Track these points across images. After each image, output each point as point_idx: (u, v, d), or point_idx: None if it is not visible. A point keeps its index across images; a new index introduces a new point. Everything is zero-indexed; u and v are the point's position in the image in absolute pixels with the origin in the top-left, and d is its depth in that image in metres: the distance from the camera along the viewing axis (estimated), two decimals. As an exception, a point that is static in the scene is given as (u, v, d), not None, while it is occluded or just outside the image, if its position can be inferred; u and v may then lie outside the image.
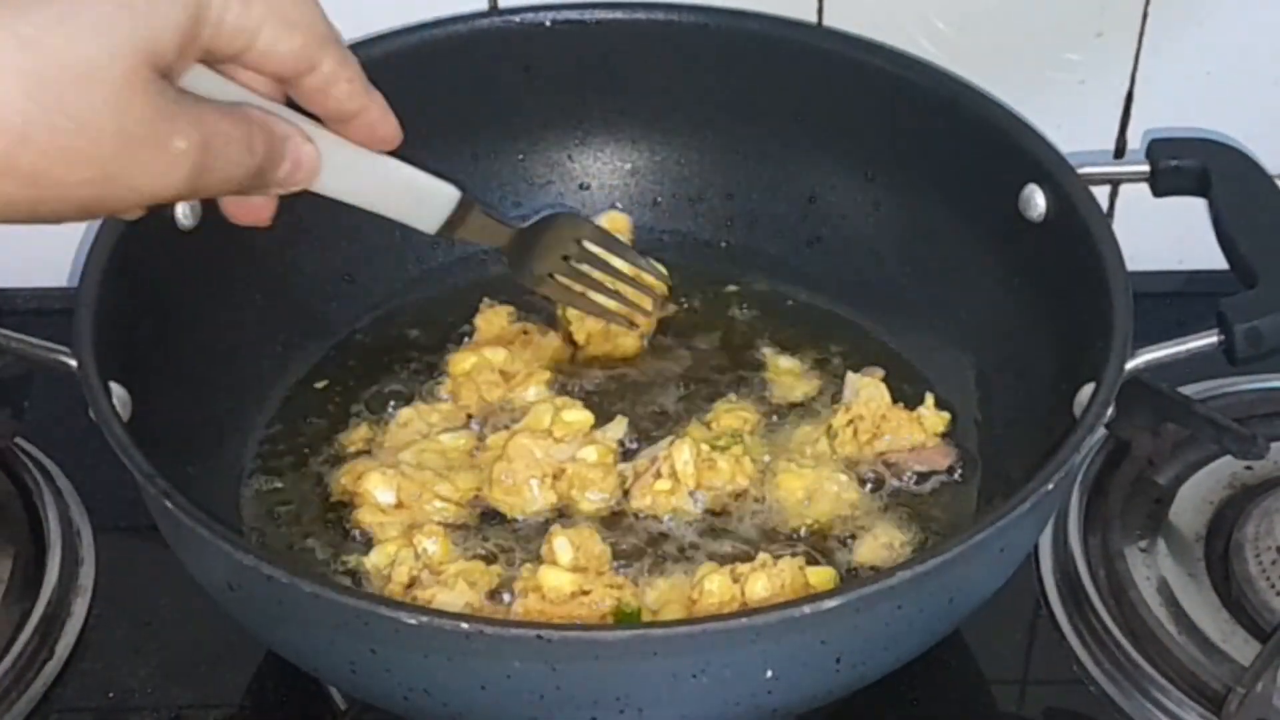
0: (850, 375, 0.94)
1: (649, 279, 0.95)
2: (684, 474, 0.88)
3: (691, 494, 0.88)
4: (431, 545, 0.84)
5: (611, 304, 0.92)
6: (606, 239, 0.92)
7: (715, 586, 0.81)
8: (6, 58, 0.54)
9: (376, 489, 0.87)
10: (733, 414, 0.93)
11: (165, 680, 0.87)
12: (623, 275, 0.92)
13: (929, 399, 0.92)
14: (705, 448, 0.89)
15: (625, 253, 0.93)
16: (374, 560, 0.85)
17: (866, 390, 0.92)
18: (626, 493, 0.89)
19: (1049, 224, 0.89)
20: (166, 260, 0.88)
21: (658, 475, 0.88)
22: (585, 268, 0.90)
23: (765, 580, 0.81)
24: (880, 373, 0.94)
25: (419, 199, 0.77)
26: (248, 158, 0.63)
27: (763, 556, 0.83)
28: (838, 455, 0.91)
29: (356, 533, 0.87)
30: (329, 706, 0.85)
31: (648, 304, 0.94)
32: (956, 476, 0.90)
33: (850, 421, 0.91)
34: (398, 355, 0.98)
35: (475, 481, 0.89)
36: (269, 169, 0.65)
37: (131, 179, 0.58)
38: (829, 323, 0.99)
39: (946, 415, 0.92)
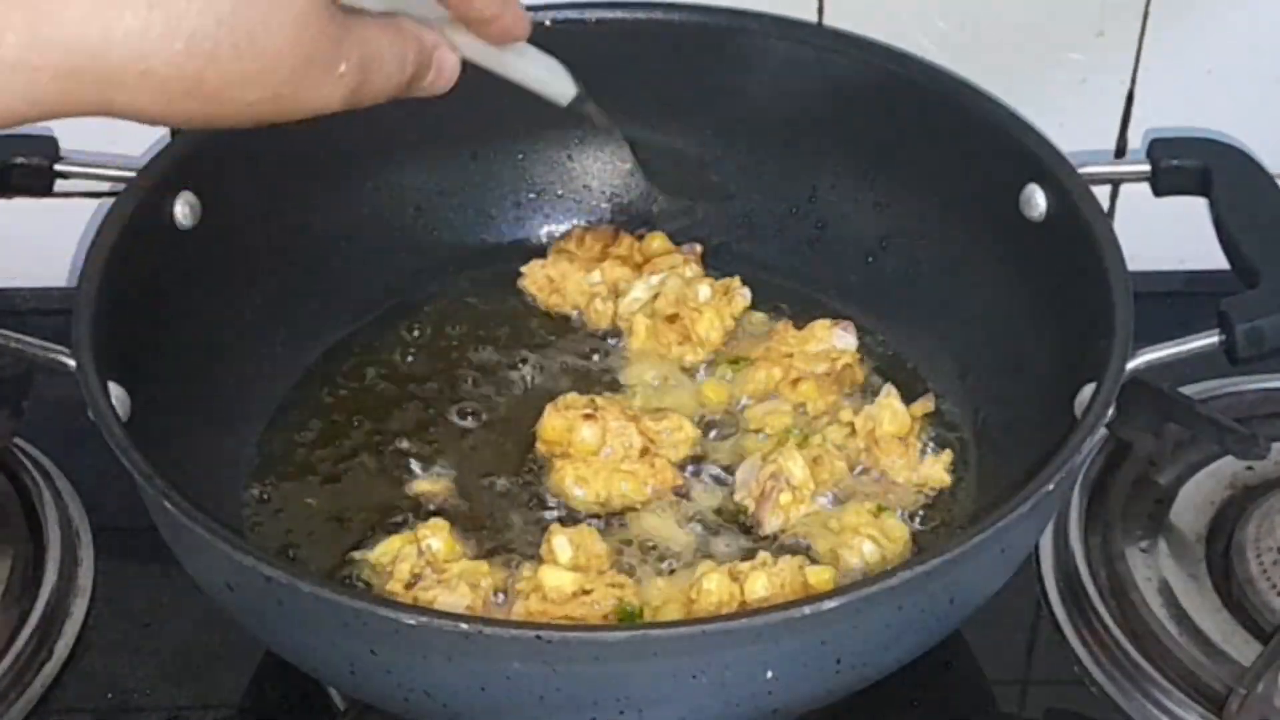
0: (887, 386, 0.93)
1: None
2: (803, 481, 0.88)
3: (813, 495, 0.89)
4: (435, 543, 0.84)
5: None
6: None
7: (714, 585, 0.81)
8: None
9: None
10: (774, 415, 0.93)
11: (164, 681, 0.87)
12: None
13: (947, 454, 0.91)
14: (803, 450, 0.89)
15: None
16: (376, 556, 0.85)
17: (890, 409, 0.91)
18: (755, 520, 0.88)
19: (1049, 223, 0.89)
20: (165, 260, 0.87)
21: (781, 492, 0.88)
22: None
23: (765, 580, 0.81)
24: (931, 404, 0.94)
25: (551, 72, 0.80)
26: (400, 70, 0.67)
27: (762, 555, 0.83)
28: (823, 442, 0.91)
29: (359, 532, 0.88)
30: (328, 707, 0.85)
31: None
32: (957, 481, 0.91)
33: (852, 427, 0.91)
34: (397, 354, 0.98)
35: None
36: (418, 78, 0.69)
37: (298, 98, 0.62)
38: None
39: (947, 479, 0.90)
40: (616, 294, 0.99)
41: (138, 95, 0.58)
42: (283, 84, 0.61)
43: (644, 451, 0.90)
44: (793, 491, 0.88)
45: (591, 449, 0.90)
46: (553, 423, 0.91)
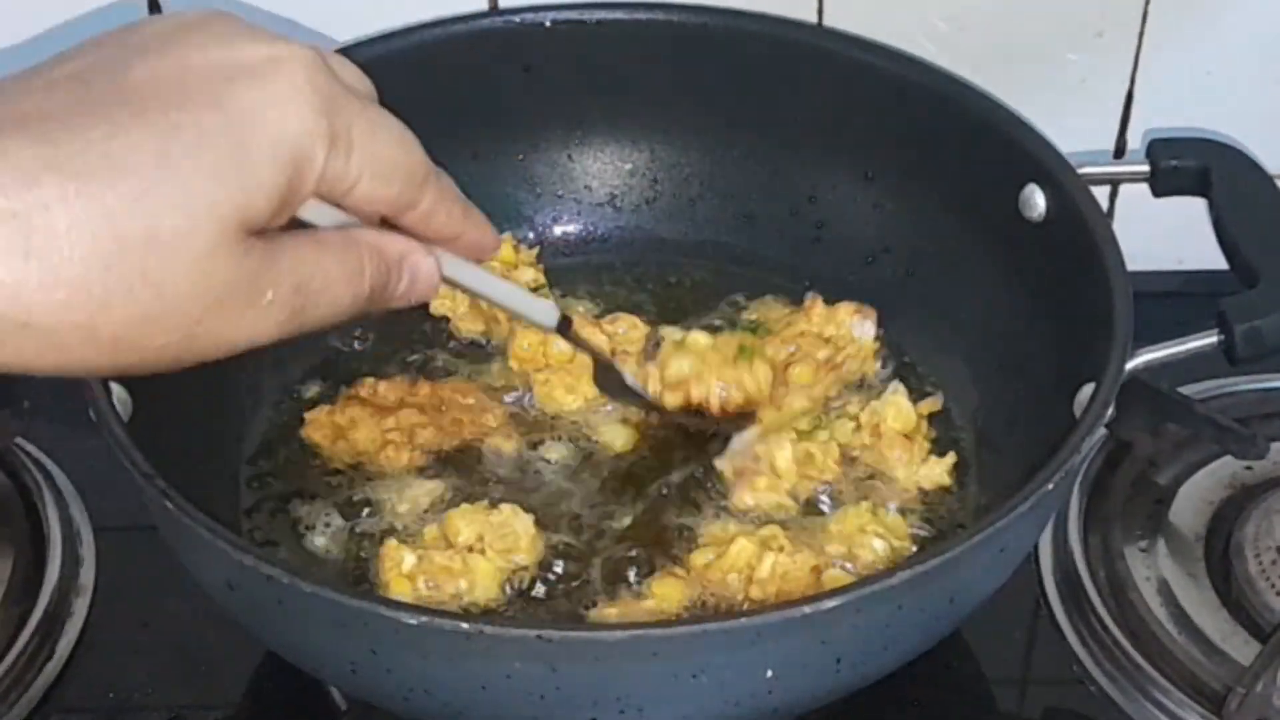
0: (895, 383, 0.93)
1: None
2: (785, 471, 0.88)
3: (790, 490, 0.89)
4: (466, 528, 0.85)
5: None
6: None
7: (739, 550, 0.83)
8: (89, 227, 0.53)
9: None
10: (794, 397, 0.93)
11: (165, 680, 0.87)
12: None
13: (951, 457, 0.91)
14: (798, 441, 0.90)
15: None
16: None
17: (896, 406, 0.91)
18: (729, 490, 0.89)
19: (1049, 224, 0.89)
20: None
21: (759, 474, 0.88)
22: None
23: (770, 564, 0.82)
24: (938, 404, 0.94)
25: (529, 295, 0.78)
26: (352, 284, 0.62)
27: (781, 540, 0.84)
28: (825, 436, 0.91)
29: (359, 530, 0.88)
30: (329, 707, 0.85)
31: None
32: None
33: (857, 421, 0.91)
34: (397, 352, 0.98)
35: (433, 439, 0.92)
36: (383, 289, 0.64)
37: (220, 335, 0.58)
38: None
39: (948, 481, 0.90)
40: (412, 442, 0.92)
41: (23, 348, 0.54)
42: (194, 323, 0.56)
43: (612, 351, 0.94)
44: (773, 477, 0.88)
45: (567, 356, 0.94)
46: (525, 340, 0.94)
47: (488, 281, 0.71)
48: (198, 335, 0.57)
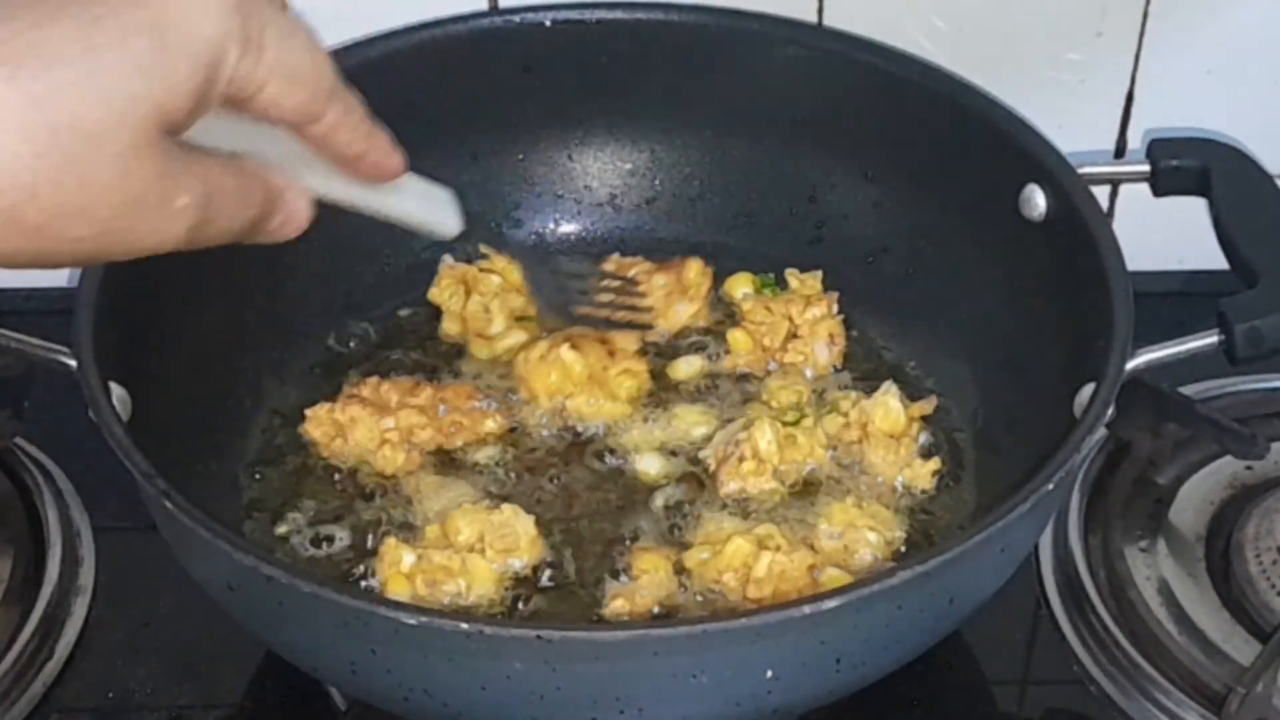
0: (888, 384, 0.93)
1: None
2: (768, 453, 0.88)
3: (776, 471, 0.89)
4: (467, 528, 0.85)
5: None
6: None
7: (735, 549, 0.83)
8: (20, 116, 0.54)
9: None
10: (786, 390, 0.94)
11: (165, 680, 0.87)
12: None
13: (935, 461, 0.91)
14: (780, 426, 0.90)
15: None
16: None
17: (885, 407, 0.91)
18: (713, 479, 0.90)
19: (1049, 224, 0.89)
20: (166, 260, 0.86)
21: (741, 458, 0.89)
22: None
23: (767, 564, 0.82)
24: (931, 406, 0.94)
25: (432, 205, 0.77)
26: (244, 210, 0.63)
27: (777, 540, 0.84)
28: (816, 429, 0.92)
29: (356, 529, 0.88)
30: (329, 707, 0.85)
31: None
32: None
33: (847, 417, 0.92)
34: (398, 352, 0.98)
35: (431, 440, 0.92)
36: (263, 221, 0.65)
37: (133, 233, 0.58)
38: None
39: (930, 485, 0.90)
40: (409, 442, 0.92)
41: None
42: (112, 218, 0.57)
43: (611, 354, 0.95)
44: (756, 462, 0.88)
45: (585, 373, 0.93)
46: (544, 373, 0.94)
47: (376, 199, 0.71)
48: (112, 231, 0.58)
